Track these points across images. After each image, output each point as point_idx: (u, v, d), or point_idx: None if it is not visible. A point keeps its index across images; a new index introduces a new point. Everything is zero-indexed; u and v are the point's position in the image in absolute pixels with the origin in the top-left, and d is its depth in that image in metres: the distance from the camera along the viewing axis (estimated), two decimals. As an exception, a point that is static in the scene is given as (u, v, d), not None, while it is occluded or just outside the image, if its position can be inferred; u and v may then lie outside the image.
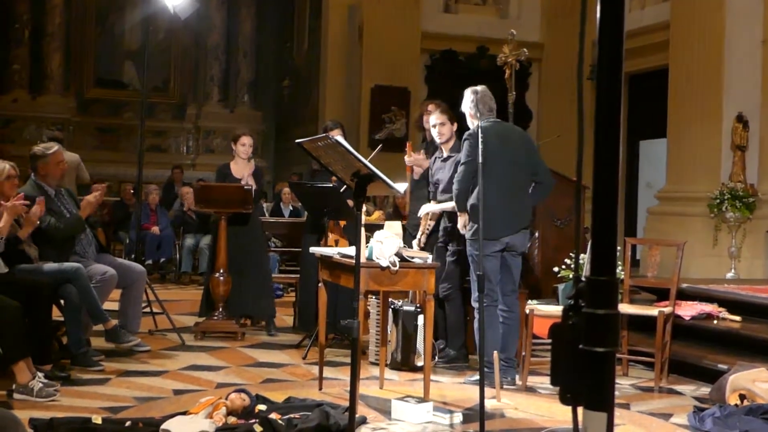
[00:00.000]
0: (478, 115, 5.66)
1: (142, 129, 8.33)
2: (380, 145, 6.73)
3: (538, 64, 14.89)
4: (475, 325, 5.58)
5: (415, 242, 6.43)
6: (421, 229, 6.46)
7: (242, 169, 7.37)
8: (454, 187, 5.78)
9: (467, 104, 5.84)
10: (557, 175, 7.74)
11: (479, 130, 5.06)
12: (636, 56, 11.76)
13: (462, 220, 5.83)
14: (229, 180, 7.28)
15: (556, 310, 5.81)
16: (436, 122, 6.35)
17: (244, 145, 7.41)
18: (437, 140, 6.41)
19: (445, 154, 6.44)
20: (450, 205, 6.25)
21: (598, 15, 1.75)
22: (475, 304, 5.57)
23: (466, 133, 5.77)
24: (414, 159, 6.93)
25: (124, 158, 16.46)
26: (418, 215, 6.56)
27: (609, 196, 1.69)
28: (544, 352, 6.16)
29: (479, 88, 5.86)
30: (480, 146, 4.78)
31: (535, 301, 6.40)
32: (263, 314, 7.55)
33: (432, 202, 6.52)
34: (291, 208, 11.77)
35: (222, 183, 7.30)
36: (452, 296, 6.45)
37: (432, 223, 6.49)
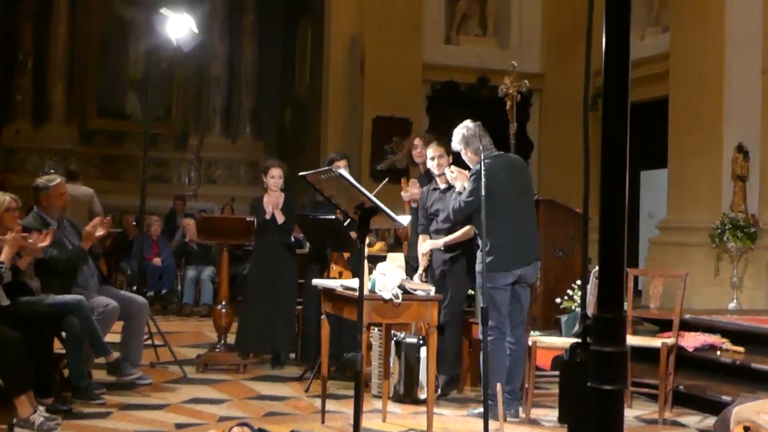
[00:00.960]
0: (480, 149, 5.66)
1: (145, 159, 8.32)
2: (386, 179, 6.73)
3: (539, 95, 14.93)
4: (481, 357, 5.55)
5: (416, 276, 6.41)
6: (421, 264, 6.45)
7: (271, 201, 7.37)
8: (456, 207, 5.79)
9: (462, 144, 5.87)
10: (557, 206, 7.75)
11: (482, 165, 5.06)
12: (636, 86, 11.72)
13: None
14: (260, 213, 7.29)
15: (559, 342, 5.78)
16: (434, 155, 6.39)
17: (274, 177, 7.42)
18: (436, 172, 6.44)
19: (442, 186, 6.47)
20: (449, 238, 6.27)
21: (603, 46, 1.75)
22: (480, 337, 5.54)
23: (472, 170, 5.78)
24: (410, 194, 6.97)
25: (126, 189, 16.45)
26: (420, 252, 6.56)
27: (616, 231, 1.68)
28: (547, 384, 6.13)
29: (470, 123, 5.89)
30: (483, 181, 4.79)
31: (537, 333, 6.37)
32: (289, 349, 7.51)
33: (424, 237, 6.53)
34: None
35: (253, 215, 7.33)
36: (453, 326, 6.44)
37: (429, 259, 6.50)
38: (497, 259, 5.50)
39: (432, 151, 6.42)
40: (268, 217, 7.24)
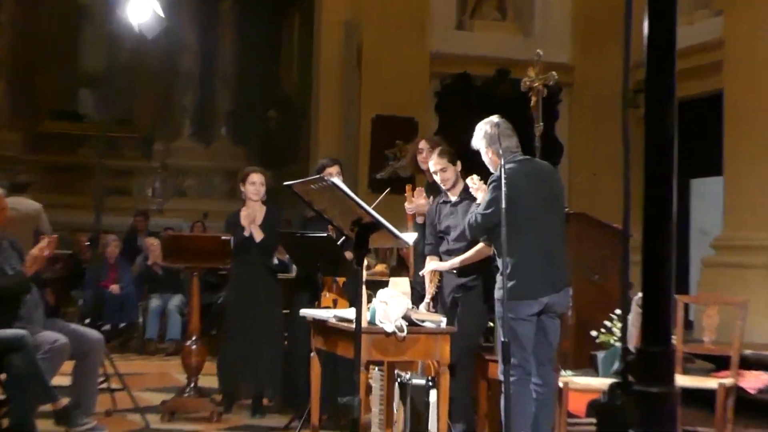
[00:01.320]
0: (501, 152, 5.63)
1: (102, 168, 8.32)
2: (387, 189, 6.73)
3: (569, 90, 14.94)
4: (502, 401, 5.52)
5: (423, 305, 6.40)
6: (428, 291, 6.44)
7: (250, 215, 7.35)
8: (472, 222, 5.76)
9: (483, 142, 5.85)
10: (591, 220, 7.73)
11: (503, 171, 5.04)
12: (684, 79, 11.76)
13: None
14: (238, 230, 7.29)
15: (596, 383, 5.75)
16: (435, 169, 6.47)
17: (254, 183, 7.41)
18: (442, 187, 6.52)
19: (453, 199, 6.48)
20: (459, 259, 6.27)
21: (644, 31, 1.73)
22: (501, 377, 5.51)
23: (492, 176, 5.76)
24: (416, 206, 6.96)
25: (79, 203, 16.41)
26: (421, 273, 6.56)
27: (662, 250, 1.66)
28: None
29: (496, 120, 5.85)
30: (504, 190, 4.78)
31: (569, 372, 6.34)
32: (275, 392, 7.49)
33: (432, 258, 6.51)
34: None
35: (229, 232, 7.35)
36: (465, 364, 6.40)
37: (438, 285, 6.48)
38: (520, 284, 5.46)
39: (433, 163, 6.49)
40: (246, 234, 7.22)
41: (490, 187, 5.71)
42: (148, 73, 18.58)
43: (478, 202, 5.91)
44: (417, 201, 6.98)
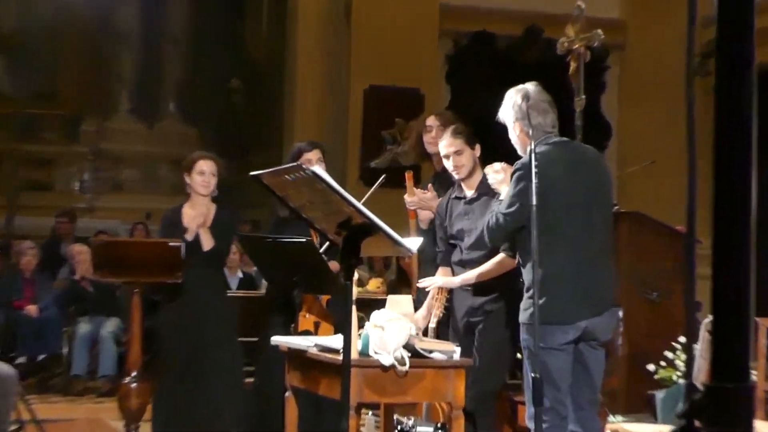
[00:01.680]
0: (531, 132, 5.63)
1: (16, 155, 8.34)
2: (383, 176, 6.73)
3: (620, 54, 15.00)
4: None
5: (430, 327, 6.41)
6: (432, 312, 6.42)
7: (196, 215, 7.35)
8: (492, 224, 5.73)
9: (510, 115, 5.82)
10: (647, 222, 7.75)
11: (533, 156, 5.04)
12: (765, 42, 11.84)
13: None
14: (175, 232, 7.28)
15: (654, 430, 5.78)
16: (447, 151, 6.45)
17: (203, 173, 7.38)
18: (455, 176, 6.49)
19: (468, 194, 6.47)
20: (472, 274, 6.29)
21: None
22: (530, 424, 5.52)
23: (517, 163, 5.74)
24: (418, 199, 6.94)
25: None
26: (423, 286, 6.55)
27: (739, 260, 1.66)
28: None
29: (530, 88, 5.83)
30: (535, 183, 4.78)
31: (619, 417, 6.36)
32: None
33: (444, 270, 6.54)
34: (241, 275, 11.78)
35: (166, 236, 7.37)
36: (486, 409, 6.42)
37: (446, 305, 6.47)
38: (551, 303, 5.42)
39: (445, 145, 6.48)
40: (189, 237, 7.21)
41: (515, 177, 5.67)
42: (76, 36, 18.58)
43: (501, 197, 5.87)
44: (420, 193, 6.96)
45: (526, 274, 5.56)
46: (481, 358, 6.37)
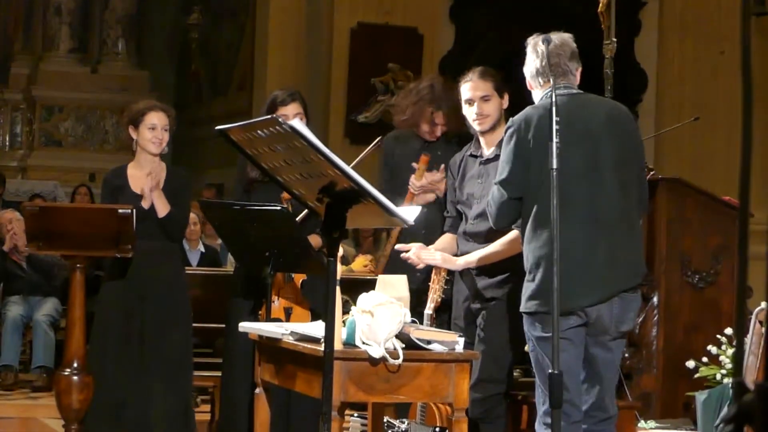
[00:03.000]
0: (541, 82, 5.70)
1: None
2: (378, 139, 6.76)
3: (657, -10, 15.01)
4: None
5: (426, 313, 6.43)
6: (430, 295, 6.43)
7: (148, 176, 7.36)
8: (492, 197, 5.76)
9: (525, 66, 5.90)
10: (689, 191, 7.77)
11: (553, 107, 5.08)
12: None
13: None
14: (123, 198, 7.30)
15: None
16: (473, 95, 6.45)
17: (154, 128, 7.40)
18: (477, 128, 6.51)
19: (486, 152, 6.51)
20: (475, 256, 6.36)
21: None
22: (540, 429, 5.58)
23: (510, 120, 5.82)
24: (428, 182, 6.93)
25: None
26: (419, 267, 6.58)
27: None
28: None
29: (554, 36, 5.87)
30: (556, 141, 4.81)
31: (652, 423, 6.42)
32: None
33: (452, 238, 6.58)
34: (203, 249, 11.80)
35: (110, 203, 7.36)
36: (493, 412, 6.49)
37: (444, 288, 6.49)
38: (546, 288, 5.46)
39: (470, 87, 6.50)
40: (145, 205, 7.24)
41: (506, 136, 5.73)
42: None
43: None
44: (431, 176, 6.96)
45: (527, 251, 5.62)
46: (485, 353, 6.41)
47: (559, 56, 5.84)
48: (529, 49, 5.85)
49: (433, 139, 7.11)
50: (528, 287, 5.62)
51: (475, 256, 6.37)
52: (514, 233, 6.22)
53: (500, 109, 6.49)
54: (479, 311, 6.50)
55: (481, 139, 6.53)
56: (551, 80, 5.61)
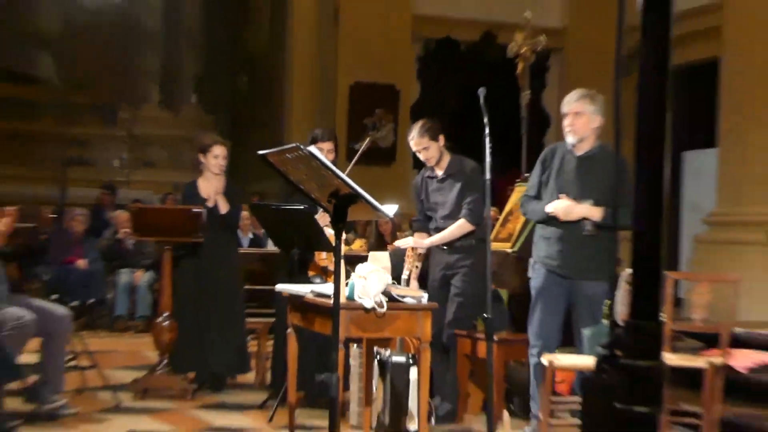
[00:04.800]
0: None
1: (63, 137, 8.34)
2: (368, 139, 6.75)
3: (559, 56, 14.98)
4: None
5: (403, 278, 6.46)
6: (406, 267, 6.46)
7: (212, 186, 7.42)
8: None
9: (601, 112, 5.95)
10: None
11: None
12: (680, 45, 11.80)
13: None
14: (196, 202, 7.33)
15: (581, 361, 5.84)
16: (417, 148, 6.61)
17: (217, 156, 7.42)
18: (428, 165, 6.71)
19: (439, 174, 6.63)
20: (437, 237, 6.56)
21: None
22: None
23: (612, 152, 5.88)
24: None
25: (39, 174, 16.36)
26: (397, 244, 6.65)
27: (653, 222, 1.73)
28: (563, 413, 6.20)
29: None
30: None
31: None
32: (237, 371, 7.56)
33: (420, 235, 6.64)
34: (251, 235, 11.78)
35: (186, 205, 7.38)
36: (454, 344, 6.62)
37: (419, 263, 6.53)
38: None
39: (414, 143, 6.62)
40: (210, 204, 7.27)
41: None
42: (110, 35, 18.43)
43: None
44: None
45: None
46: (457, 305, 6.52)
47: None
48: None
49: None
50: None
51: (435, 237, 6.52)
52: (460, 221, 6.38)
53: (439, 148, 6.59)
54: (453, 275, 6.61)
55: (434, 167, 6.64)
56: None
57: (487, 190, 5.14)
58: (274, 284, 6.83)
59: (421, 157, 6.62)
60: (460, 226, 6.50)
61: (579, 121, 5.86)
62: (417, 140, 6.57)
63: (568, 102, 5.96)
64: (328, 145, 6.84)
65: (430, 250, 6.70)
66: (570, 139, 5.90)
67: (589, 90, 6.08)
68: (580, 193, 5.78)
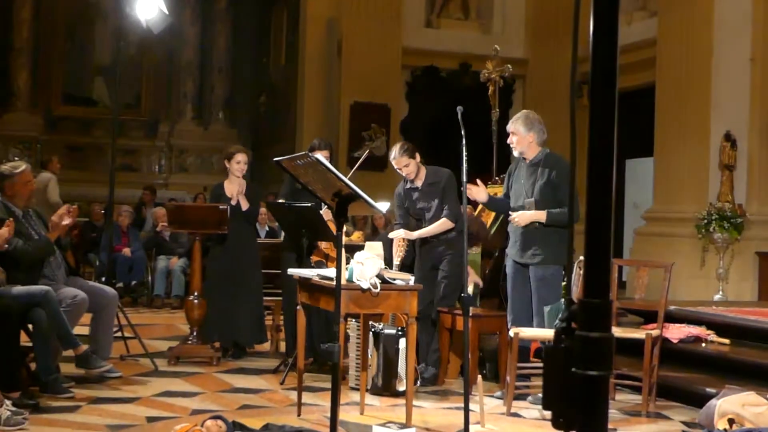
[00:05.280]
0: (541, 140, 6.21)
1: (114, 147, 8.30)
2: (367, 150, 6.72)
3: (522, 81, 15.00)
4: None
5: (395, 264, 6.44)
6: (395, 254, 6.47)
7: (236, 187, 7.37)
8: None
9: (535, 128, 6.17)
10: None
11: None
12: (622, 73, 11.76)
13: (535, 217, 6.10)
14: (222, 200, 7.28)
15: (542, 333, 5.83)
16: (398, 166, 6.58)
17: (239, 162, 7.39)
18: (408, 179, 6.66)
19: (419, 185, 6.66)
20: (424, 231, 6.54)
21: (590, 29, 1.77)
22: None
23: (555, 157, 6.16)
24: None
25: (93, 178, 16.37)
26: (390, 236, 6.63)
27: (603, 218, 1.71)
28: (524, 378, 6.18)
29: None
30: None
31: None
32: (255, 341, 7.52)
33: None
34: (267, 228, 11.75)
35: (214, 203, 7.33)
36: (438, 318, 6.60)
37: (405, 249, 6.54)
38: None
39: (395, 163, 6.58)
40: (233, 202, 7.24)
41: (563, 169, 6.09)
42: (153, 63, 18.49)
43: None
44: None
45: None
46: (443, 285, 6.54)
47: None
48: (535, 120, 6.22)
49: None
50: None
51: (423, 231, 6.55)
52: (441, 220, 6.39)
53: (416, 164, 6.56)
54: (440, 262, 6.60)
55: (414, 180, 6.62)
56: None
57: (463, 192, 5.10)
58: (280, 269, 6.79)
59: (402, 173, 6.59)
60: (441, 224, 6.52)
61: (515, 138, 6.21)
62: (398, 159, 6.52)
63: (509, 124, 6.31)
64: (324, 153, 6.76)
65: (418, 244, 6.68)
66: (514, 152, 6.26)
67: (527, 112, 6.46)
68: (527, 192, 6.14)
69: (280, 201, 6.98)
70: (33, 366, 5.77)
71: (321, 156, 4.45)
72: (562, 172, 6.04)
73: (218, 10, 18.51)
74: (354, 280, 4.98)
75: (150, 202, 13.72)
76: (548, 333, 5.63)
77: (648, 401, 5.87)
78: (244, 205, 7.30)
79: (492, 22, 15.09)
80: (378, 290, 4.97)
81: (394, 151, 6.59)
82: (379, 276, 5.02)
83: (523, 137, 6.17)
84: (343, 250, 4.51)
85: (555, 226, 5.99)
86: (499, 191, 7.00)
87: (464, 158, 4.96)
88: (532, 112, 6.46)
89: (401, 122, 14.45)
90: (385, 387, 6.15)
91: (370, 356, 6.11)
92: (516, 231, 6.18)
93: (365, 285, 4.95)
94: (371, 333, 6.15)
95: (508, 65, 8.56)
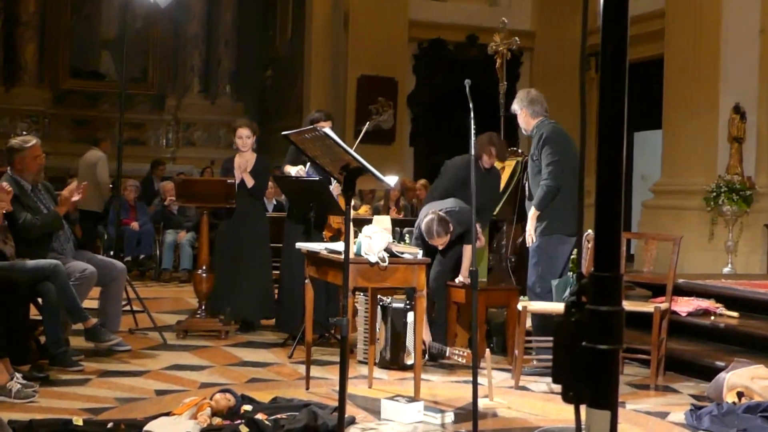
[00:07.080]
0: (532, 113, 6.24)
1: (121, 121, 8.29)
2: (369, 123, 6.67)
3: (530, 54, 14.91)
4: None
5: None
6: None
7: (243, 162, 7.34)
8: (550, 184, 5.92)
9: (524, 103, 6.24)
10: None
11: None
12: (631, 45, 11.71)
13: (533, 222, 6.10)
14: (231, 174, 7.27)
15: (550, 307, 5.82)
16: (437, 245, 6.47)
17: (241, 137, 7.36)
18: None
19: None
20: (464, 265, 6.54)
21: (600, 2, 1.75)
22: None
23: (548, 132, 6.09)
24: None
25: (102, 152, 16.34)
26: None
27: (613, 191, 1.69)
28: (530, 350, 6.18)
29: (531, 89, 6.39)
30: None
31: (526, 299, 6.42)
32: (263, 316, 7.54)
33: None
34: (275, 202, 11.73)
35: (222, 177, 7.33)
36: (445, 293, 6.64)
37: None
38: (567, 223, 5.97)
39: (440, 245, 6.41)
40: (237, 180, 7.22)
41: (549, 141, 6.11)
42: (160, 37, 18.42)
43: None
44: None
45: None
46: (444, 264, 6.53)
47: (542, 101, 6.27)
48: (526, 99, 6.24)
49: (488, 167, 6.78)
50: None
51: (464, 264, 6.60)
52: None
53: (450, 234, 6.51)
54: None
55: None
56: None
57: (471, 167, 5.06)
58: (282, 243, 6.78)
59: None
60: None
61: (518, 119, 6.36)
62: (443, 239, 6.32)
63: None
64: (326, 125, 6.63)
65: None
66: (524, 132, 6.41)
67: (521, 91, 6.52)
68: (532, 169, 6.29)
69: (287, 173, 6.95)
70: (42, 339, 5.80)
71: (329, 130, 4.42)
72: (541, 139, 6.11)
73: (223, -18, 18.42)
74: (362, 253, 4.98)
75: (159, 175, 13.72)
76: (558, 307, 5.62)
77: (656, 375, 5.87)
78: (249, 183, 7.28)
79: (500, -6, 14.99)
80: (386, 264, 4.97)
81: (432, 233, 6.28)
82: (387, 250, 5.01)
83: (519, 116, 6.30)
84: (351, 224, 4.50)
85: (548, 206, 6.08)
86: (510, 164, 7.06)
87: (473, 131, 4.92)
88: (526, 90, 6.56)
89: (408, 95, 14.40)
90: (393, 361, 6.16)
91: (378, 330, 6.12)
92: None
93: (373, 259, 4.95)
94: (379, 307, 6.15)
95: (516, 38, 8.50)
